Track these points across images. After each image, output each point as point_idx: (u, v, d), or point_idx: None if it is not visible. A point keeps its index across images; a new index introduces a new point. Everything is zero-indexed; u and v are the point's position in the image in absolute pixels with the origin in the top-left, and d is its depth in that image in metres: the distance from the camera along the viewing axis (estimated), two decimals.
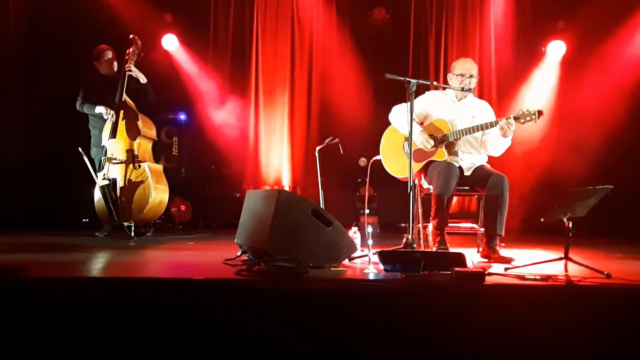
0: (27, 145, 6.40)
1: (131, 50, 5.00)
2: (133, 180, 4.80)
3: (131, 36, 5.09)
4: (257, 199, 3.25)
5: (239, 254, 3.23)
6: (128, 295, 2.36)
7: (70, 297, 2.33)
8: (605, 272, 2.71)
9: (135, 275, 2.80)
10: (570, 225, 2.83)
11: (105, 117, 4.88)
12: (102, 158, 4.87)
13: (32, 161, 6.35)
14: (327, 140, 4.33)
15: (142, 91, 5.05)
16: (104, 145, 4.94)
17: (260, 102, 7.23)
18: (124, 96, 4.91)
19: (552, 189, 6.09)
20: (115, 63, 5.08)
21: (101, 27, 6.32)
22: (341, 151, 4.31)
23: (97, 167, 4.93)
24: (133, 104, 4.97)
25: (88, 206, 5.02)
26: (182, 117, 6.83)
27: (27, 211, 6.17)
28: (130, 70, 4.92)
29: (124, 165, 4.82)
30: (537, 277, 2.62)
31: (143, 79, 5.03)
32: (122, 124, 4.89)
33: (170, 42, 6.95)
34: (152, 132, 5.06)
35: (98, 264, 3.28)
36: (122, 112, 4.90)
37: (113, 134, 4.87)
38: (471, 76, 3.86)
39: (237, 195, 6.71)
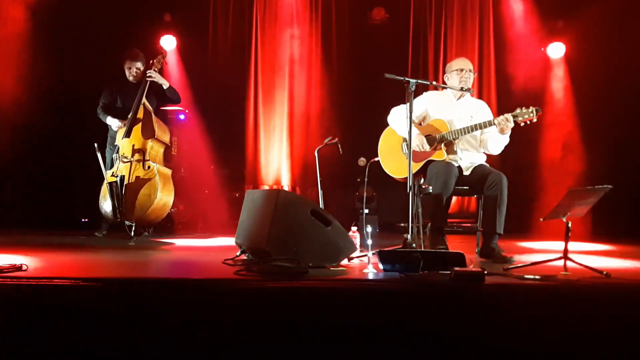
0: (27, 144, 6.39)
1: (156, 60, 5.12)
2: (140, 180, 4.83)
3: (158, 46, 5.18)
4: (257, 199, 3.25)
5: (238, 253, 3.23)
6: (127, 295, 2.36)
7: (70, 297, 2.33)
8: (605, 272, 2.71)
9: (135, 275, 2.80)
10: (570, 225, 2.83)
11: (115, 129, 5.01)
12: (114, 156, 4.95)
13: (32, 161, 6.34)
14: (326, 140, 4.34)
15: (166, 95, 5.17)
16: (116, 144, 5.00)
17: (259, 101, 7.24)
18: (143, 99, 4.99)
19: (552, 188, 6.10)
20: (142, 68, 5.17)
21: (101, 26, 6.32)
22: (340, 151, 4.31)
23: (107, 166, 4.97)
24: (151, 107, 5.06)
25: (87, 206, 5.03)
26: (181, 117, 6.83)
27: (26, 211, 6.16)
28: (151, 77, 5.01)
29: (133, 164, 4.86)
30: (537, 277, 2.62)
31: (165, 84, 5.13)
32: (137, 125, 4.95)
33: (169, 42, 6.96)
34: (166, 137, 5.10)
35: (98, 264, 3.28)
36: (139, 111, 4.96)
37: (127, 134, 4.93)
38: (470, 70, 3.86)
39: (237, 195, 6.72)
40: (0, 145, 6.04)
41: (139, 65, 5.15)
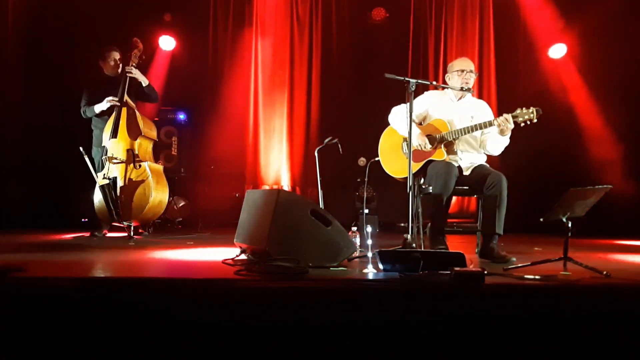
0: (27, 144, 6.39)
1: (133, 53, 5.05)
2: (134, 180, 4.81)
3: (134, 39, 5.14)
4: (257, 199, 3.25)
5: (238, 253, 3.23)
6: (127, 295, 2.36)
7: (70, 297, 2.32)
8: (605, 272, 2.71)
9: (135, 275, 2.80)
10: (570, 225, 2.82)
11: (107, 104, 4.89)
12: (103, 158, 4.89)
13: (32, 161, 6.34)
14: (326, 140, 4.34)
15: (145, 93, 5.11)
16: (104, 145, 4.95)
17: (259, 101, 7.25)
18: (125, 97, 4.93)
19: (552, 188, 6.10)
20: (120, 64, 5.11)
21: (101, 26, 6.32)
22: (340, 151, 4.31)
23: (96, 166, 4.94)
24: (134, 104, 5.00)
25: (88, 206, 5.03)
26: (182, 116, 6.84)
27: (26, 211, 6.16)
28: (130, 73, 4.95)
29: (124, 164, 4.83)
30: (537, 277, 2.62)
31: (145, 82, 5.07)
32: (123, 124, 4.90)
33: (169, 42, 6.96)
34: (153, 133, 5.08)
35: (98, 264, 3.28)
36: (123, 111, 4.91)
37: (114, 134, 4.88)
38: (471, 71, 3.85)
39: (237, 195, 6.72)
40: (0, 145, 6.05)
41: (118, 55, 5.10)
